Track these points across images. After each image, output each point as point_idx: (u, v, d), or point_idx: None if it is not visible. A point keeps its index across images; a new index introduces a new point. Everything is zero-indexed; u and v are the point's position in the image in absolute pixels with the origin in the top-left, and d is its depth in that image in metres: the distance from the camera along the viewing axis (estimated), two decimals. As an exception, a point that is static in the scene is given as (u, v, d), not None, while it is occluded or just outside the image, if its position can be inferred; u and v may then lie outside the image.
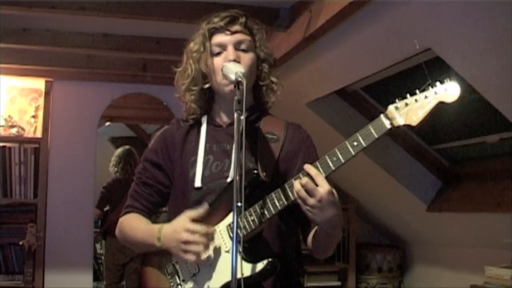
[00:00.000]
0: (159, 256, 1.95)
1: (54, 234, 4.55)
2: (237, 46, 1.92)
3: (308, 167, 1.67)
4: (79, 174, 4.69)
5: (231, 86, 1.82)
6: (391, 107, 1.66)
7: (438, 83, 1.65)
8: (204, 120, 2.01)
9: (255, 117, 2.01)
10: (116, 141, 7.04)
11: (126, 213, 2.05)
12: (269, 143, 1.93)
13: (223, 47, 1.92)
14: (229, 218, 1.82)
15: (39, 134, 4.57)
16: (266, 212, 1.75)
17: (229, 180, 1.88)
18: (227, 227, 1.82)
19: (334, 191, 1.69)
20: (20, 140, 4.52)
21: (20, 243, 4.19)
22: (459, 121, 3.57)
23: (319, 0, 2.79)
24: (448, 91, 1.65)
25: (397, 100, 1.67)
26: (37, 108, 4.62)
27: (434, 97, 1.64)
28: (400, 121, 1.66)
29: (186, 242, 1.76)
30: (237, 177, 1.61)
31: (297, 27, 3.13)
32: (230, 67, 1.81)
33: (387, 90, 3.72)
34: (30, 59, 4.20)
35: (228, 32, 1.92)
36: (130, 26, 3.61)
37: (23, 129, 4.54)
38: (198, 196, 1.90)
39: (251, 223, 1.76)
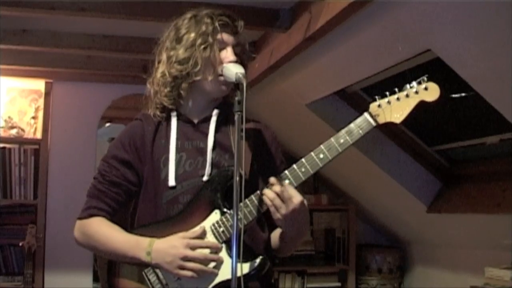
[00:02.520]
0: (134, 264, 1.86)
1: (54, 235, 4.54)
2: (236, 48, 1.92)
3: (273, 180, 1.72)
4: (79, 175, 4.66)
5: (224, 87, 1.85)
6: (373, 105, 1.73)
7: (415, 83, 1.71)
8: (173, 115, 1.96)
9: (225, 115, 1.97)
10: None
11: (89, 215, 1.94)
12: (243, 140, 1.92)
13: (223, 45, 1.90)
14: (212, 218, 1.82)
15: (39, 135, 4.57)
16: (248, 214, 1.77)
17: (205, 178, 1.86)
18: (211, 227, 1.81)
19: (305, 201, 1.74)
20: (20, 141, 4.51)
21: (20, 244, 4.19)
22: (459, 122, 3.58)
23: (319, 1, 2.79)
24: (428, 90, 1.70)
25: (377, 98, 1.73)
26: (37, 109, 4.62)
27: (416, 96, 1.71)
28: (384, 118, 1.72)
29: (185, 258, 1.74)
30: (237, 178, 1.60)
31: (297, 28, 3.13)
32: (231, 68, 1.81)
33: (387, 90, 3.72)
34: (30, 60, 4.18)
35: (232, 32, 1.92)
36: (130, 27, 3.61)
37: (23, 130, 4.54)
38: (172, 196, 1.86)
39: (247, 215, 1.77)
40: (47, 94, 4.62)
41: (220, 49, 1.90)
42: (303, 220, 1.76)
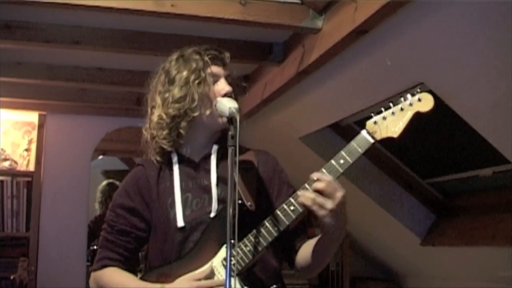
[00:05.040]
0: None
1: (46, 268, 4.48)
2: (228, 79, 1.93)
3: (317, 175, 1.70)
4: (72, 208, 4.64)
5: (221, 119, 1.84)
6: (370, 122, 1.74)
7: (409, 96, 1.70)
8: (174, 157, 1.95)
9: (225, 149, 1.97)
10: (109, 174, 7.02)
11: (102, 266, 1.94)
12: (245, 172, 1.90)
13: (216, 77, 1.91)
14: (222, 253, 1.80)
15: (32, 168, 4.53)
16: (262, 240, 1.74)
17: (212, 215, 1.84)
18: (222, 261, 1.79)
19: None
20: (12, 173, 4.48)
21: (12, 277, 4.12)
22: (452, 154, 3.57)
23: (312, 34, 2.80)
24: (422, 101, 1.70)
25: (373, 115, 1.74)
26: (30, 141, 4.60)
27: (410, 108, 1.70)
28: (381, 134, 1.72)
29: None
30: (230, 210, 1.58)
31: (290, 61, 3.14)
32: (224, 102, 1.80)
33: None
34: (24, 93, 4.19)
35: (222, 63, 1.93)
36: (124, 60, 3.62)
37: (15, 162, 4.51)
38: (182, 236, 1.85)
39: (248, 253, 1.74)
40: (41, 126, 4.61)
41: (214, 82, 1.90)
42: (344, 217, 1.72)
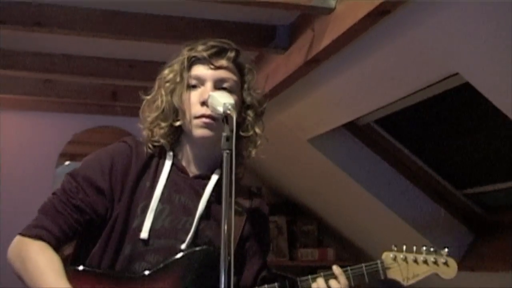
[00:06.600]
0: None
1: (4, 282, 4.50)
2: (218, 83, 1.94)
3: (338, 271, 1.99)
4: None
5: (202, 131, 1.88)
6: (388, 257, 2.02)
7: (443, 251, 2.05)
8: (168, 158, 1.98)
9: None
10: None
11: (36, 236, 1.88)
12: (235, 215, 1.92)
13: (201, 81, 1.94)
14: None
15: (-17, 176, 4.55)
16: None
17: (183, 246, 1.87)
18: None
19: None
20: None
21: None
22: (494, 160, 3.57)
23: (323, 15, 2.81)
24: (448, 267, 2.06)
25: (394, 248, 2.03)
26: (-19, 144, 4.62)
27: (433, 267, 2.03)
28: (393, 274, 2.02)
29: None
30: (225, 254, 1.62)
31: (297, 48, 3.15)
32: (217, 97, 1.81)
33: (407, 123, 3.73)
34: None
35: (211, 66, 1.94)
36: (98, 45, 3.62)
37: (-36, 170, 4.52)
38: (138, 250, 1.87)
39: None
40: (-6, 125, 4.62)
41: (196, 85, 1.94)
42: None
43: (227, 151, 1.66)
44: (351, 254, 5.16)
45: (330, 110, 3.68)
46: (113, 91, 4.30)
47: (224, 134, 1.68)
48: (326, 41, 2.80)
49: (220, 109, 1.76)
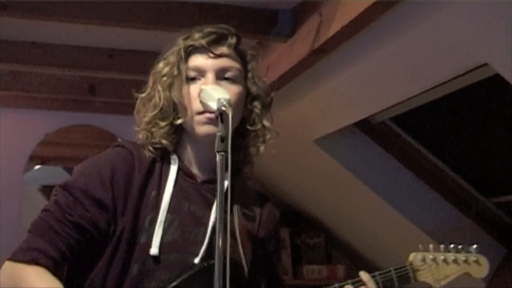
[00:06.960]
0: None
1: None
2: (220, 74, 1.93)
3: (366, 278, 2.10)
4: (0, 233, 4.64)
5: (210, 127, 1.86)
6: (417, 258, 2.10)
7: (472, 248, 2.14)
8: (174, 160, 1.98)
9: (239, 187, 2.03)
10: (50, 191, 7.02)
11: (32, 260, 1.79)
12: (246, 221, 1.97)
13: (201, 72, 1.93)
14: None
15: None
16: None
17: (196, 261, 1.87)
18: None
19: None
20: None
21: None
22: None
23: (332, -1, 2.82)
24: (479, 266, 2.10)
25: (421, 247, 2.12)
26: None
27: (463, 266, 2.09)
28: (424, 277, 2.07)
29: None
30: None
31: (302, 36, 3.16)
32: (210, 92, 1.81)
33: (427, 121, 3.74)
34: None
35: (211, 55, 1.94)
36: (73, 33, 3.63)
37: None
38: (148, 267, 1.86)
39: None
40: (-47, 124, 4.63)
41: (196, 78, 1.94)
42: None
43: (222, 153, 1.65)
44: (364, 271, 5.16)
45: (339, 107, 3.69)
46: (90, 84, 4.29)
47: (219, 134, 1.67)
48: (334, 28, 2.80)
49: (214, 105, 1.75)
